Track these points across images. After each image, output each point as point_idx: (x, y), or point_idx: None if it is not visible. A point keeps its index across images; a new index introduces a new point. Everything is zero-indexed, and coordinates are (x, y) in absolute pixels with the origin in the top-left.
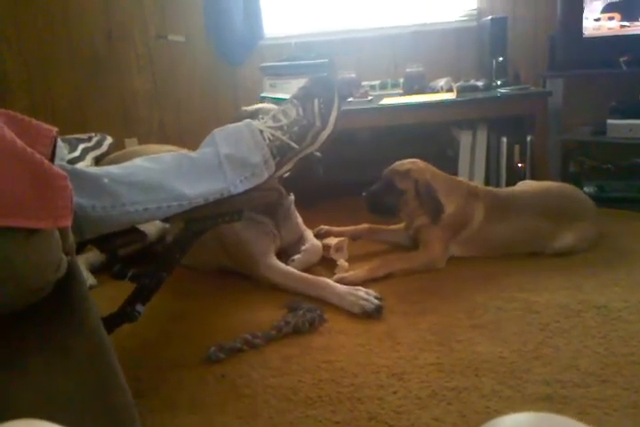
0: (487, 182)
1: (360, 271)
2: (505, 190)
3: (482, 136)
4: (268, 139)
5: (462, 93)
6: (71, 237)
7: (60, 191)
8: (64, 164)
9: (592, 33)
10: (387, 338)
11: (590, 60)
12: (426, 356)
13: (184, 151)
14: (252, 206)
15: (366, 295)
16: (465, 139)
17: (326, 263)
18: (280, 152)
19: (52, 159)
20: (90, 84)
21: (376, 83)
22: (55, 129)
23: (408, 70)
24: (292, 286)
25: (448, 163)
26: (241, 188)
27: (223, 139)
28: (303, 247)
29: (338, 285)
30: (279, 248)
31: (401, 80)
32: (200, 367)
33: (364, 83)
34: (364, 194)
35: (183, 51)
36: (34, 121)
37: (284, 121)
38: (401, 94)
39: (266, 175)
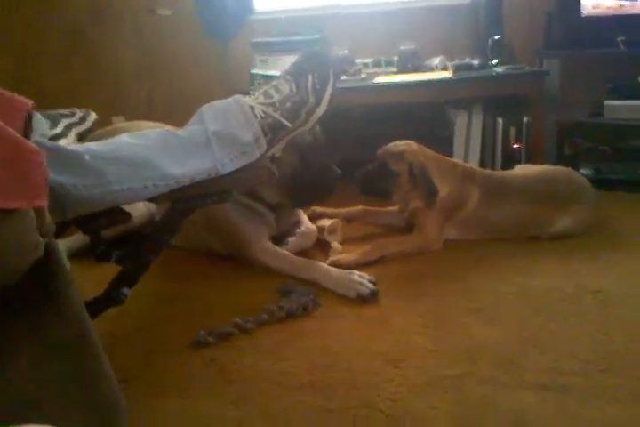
0: (482, 164)
1: (354, 254)
2: (501, 173)
3: (477, 117)
4: (260, 116)
5: (458, 72)
6: (48, 218)
7: (35, 168)
8: (43, 140)
9: (590, 11)
10: (382, 322)
11: (588, 39)
12: (421, 341)
13: (172, 128)
14: (243, 186)
15: (361, 279)
16: (460, 119)
17: (321, 247)
18: (272, 130)
19: (26, 134)
20: (75, 59)
21: (369, 60)
22: (30, 102)
23: (402, 48)
24: (286, 269)
25: (443, 144)
26: (230, 167)
27: (211, 115)
28: (298, 230)
29: (332, 268)
30: (276, 232)
31: (395, 58)
32: (188, 352)
33: (357, 60)
34: (356, 175)
35: (172, 25)
36: (7, 93)
37: (276, 97)
38: (395, 72)
39: (257, 154)
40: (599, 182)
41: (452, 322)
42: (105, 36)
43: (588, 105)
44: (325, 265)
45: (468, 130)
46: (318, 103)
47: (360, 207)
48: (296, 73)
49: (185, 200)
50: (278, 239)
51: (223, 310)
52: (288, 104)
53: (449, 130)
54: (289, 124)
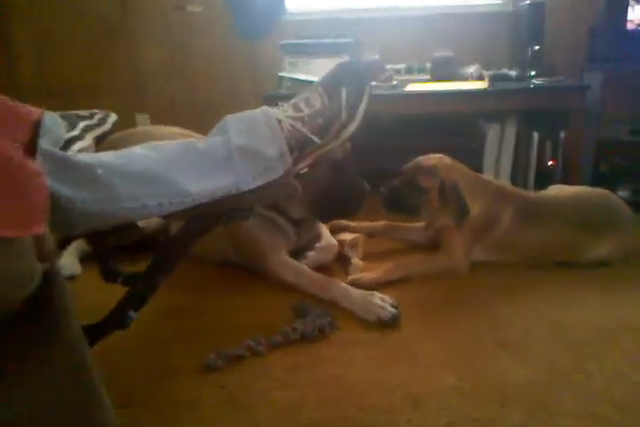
0: (513, 181)
1: (375, 272)
2: (536, 194)
3: (510, 130)
4: (287, 130)
5: (494, 83)
6: (49, 241)
7: (36, 192)
8: (54, 150)
9: (636, 25)
10: (402, 352)
11: (633, 53)
12: (446, 376)
13: (191, 139)
14: (264, 203)
15: (382, 302)
16: (492, 132)
17: (341, 262)
18: (299, 146)
19: (32, 146)
20: (101, 54)
21: (401, 66)
22: (38, 111)
23: (436, 55)
24: (303, 285)
25: (472, 157)
26: (252, 183)
27: (236, 127)
28: (318, 244)
29: (351, 288)
30: (295, 246)
31: (428, 65)
32: (197, 376)
33: (388, 66)
34: (382, 190)
35: (201, 23)
36: (11, 103)
37: (307, 111)
38: (428, 80)
39: (281, 170)
40: (637, 205)
41: (478, 356)
42: (133, 33)
43: (628, 122)
44: (344, 284)
45: (500, 143)
46: (351, 119)
47: (383, 222)
48: (329, 86)
49: (201, 218)
50: (297, 253)
51: (235, 328)
52: (319, 120)
53: (480, 142)
54: (317, 141)
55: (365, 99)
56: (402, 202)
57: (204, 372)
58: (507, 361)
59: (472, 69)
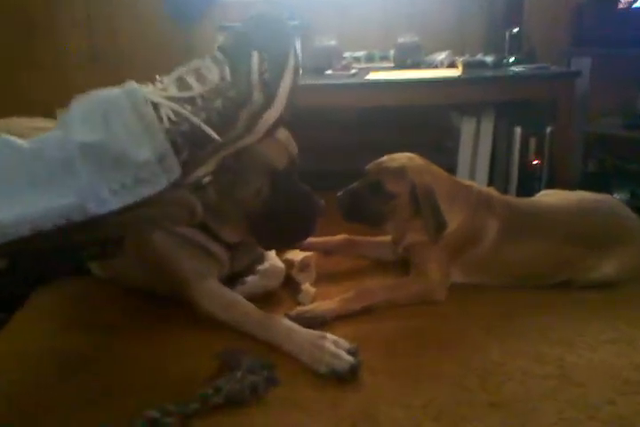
0: (492, 183)
1: (331, 302)
2: (527, 201)
3: (488, 124)
4: (168, 119)
5: (467, 70)
6: None
7: None
8: None
9: (629, 4)
10: (362, 422)
11: (625, 36)
12: None
13: (14, 137)
14: (136, 232)
15: (335, 348)
16: (467, 127)
17: (289, 288)
18: (190, 143)
19: None
20: (23, 47)
21: (361, 54)
22: None
23: (400, 40)
24: (235, 322)
25: (444, 156)
26: (114, 203)
27: (82, 116)
28: (260, 267)
29: (297, 328)
30: (231, 270)
31: (391, 52)
32: None
33: (346, 53)
34: (339, 195)
35: (129, 7)
36: None
37: (198, 89)
38: (391, 68)
39: (164, 182)
40: (636, 211)
41: (469, 424)
42: (57, 23)
43: (620, 115)
44: (287, 322)
45: (475, 140)
46: (269, 103)
47: (342, 236)
48: (233, 50)
49: (29, 259)
50: (234, 278)
51: (135, 389)
52: (218, 102)
53: (453, 139)
54: (216, 137)
55: (290, 69)
56: (364, 210)
57: None
58: None
59: (442, 56)
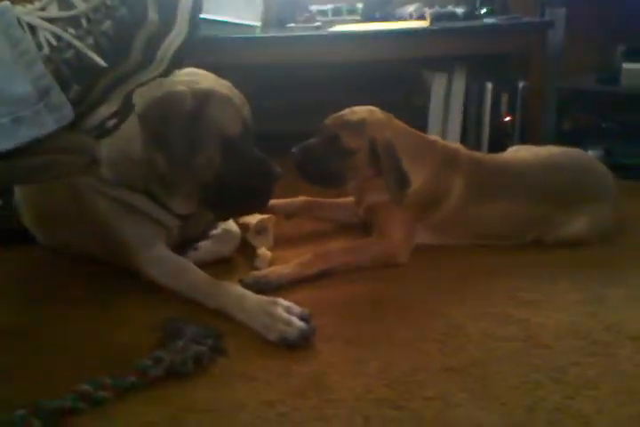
0: (464, 142)
1: (287, 267)
2: (494, 157)
3: (459, 80)
4: (49, 45)
5: (437, 23)
6: None
7: None
8: None
9: None
10: (313, 391)
11: None
12: None
13: None
14: (25, 182)
15: (287, 314)
16: (438, 83)
17: (245, 253)
18: (78, 75)
19: None
20: None
21: (328, 7)
22: None
23: None
24: (183, 290)
25: (415, 115)
26: None
27: None
28: (213, 232)
29: (247, 295)
30: (182, 238)
31: (359, 5)
32: None
33: (311, 6)
34: (294, 151)
35: None
36: None
37: (82, 6)
38: (358, 22)
39: (51, 124)
40: (612, 168)
41: (422, 392)
42: None
43: (594, 69)
44: (237, 288)
45: (447, 97)
46: (168, 24)
47: (303, 198)
48: None
49: None
50: (187, 245)
51: (69, 361)
52: (107, 24)
53: (423, 97)
54: (103, 63)
55: None
56: (321, 168)
57: None
58: (461, 399)
59: (412, 8)
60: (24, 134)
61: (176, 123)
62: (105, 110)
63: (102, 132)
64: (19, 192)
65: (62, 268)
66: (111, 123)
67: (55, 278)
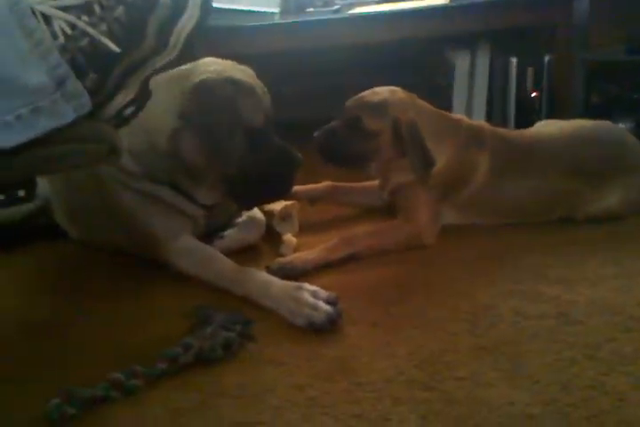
0: (490, 120)
1: (312, 252)
2: (521, 133)
3: (483, 58)
4: (63, 34)
5: None
6: None
7: None
8: None
9: None
10: (341, 374)
11: None
12: (403, 413)
13: None
14: (50, 172)
15: (313, 299)
16: (461, 62)
17: (270, 240)
18: (94, 63)
19: None
20: None
21: None
22: None
23: None
24: (210, 279)
25: (439, 95)
26: (8, 139)
27: None
28: (239, 220)
29: (273, 281)
30: (208, 228)
31: None
32: None
33: None
34: (315, 134)
35: None
36: None
37: None
38: (378, 3)
39: (70, 113)
40: None
41: (453, 372)
42: None
43: (622, 40)
44: (263, 275)
45: (471, 75)
46: (180, 7)
47: (327, 183)
48: None
49: None
50: (213, 234)
51: (101, 351)
52: (119, 10)
53: (447, 77)
54: (116, 49)
55: None
56: (344, 150)
57: None
58: (492, 378)
59: None
60: (44, 124)
61: (223, 110)
62: (122, 98)
63: (121, 120)
64: (49, 189)
65: (91, 261)
66: (129, 111)
67: (84, 271)
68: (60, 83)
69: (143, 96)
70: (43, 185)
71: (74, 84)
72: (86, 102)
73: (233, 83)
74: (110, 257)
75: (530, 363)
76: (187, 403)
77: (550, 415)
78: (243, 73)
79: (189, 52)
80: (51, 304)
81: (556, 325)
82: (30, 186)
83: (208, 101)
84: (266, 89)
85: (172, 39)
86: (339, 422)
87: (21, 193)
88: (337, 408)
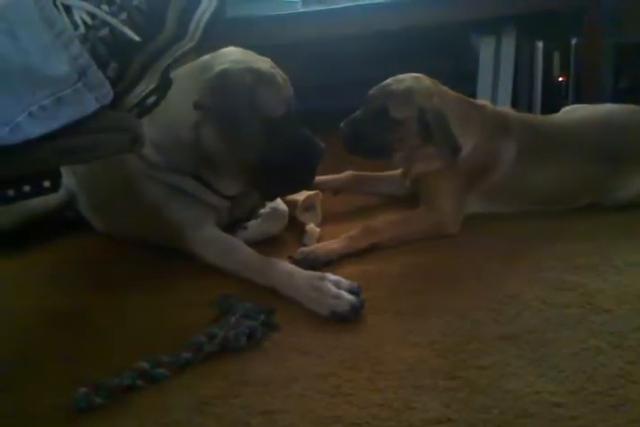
0: (515, 106)
1: (335, 242)
2: (547, 119)
3: (508, 42)
4: (84, 24)
5: None
6: None
7: None
8: None
9: None
10: (365, 363)
11: None
12: (427, 401)
13: None
14: (77, 162)
15: (336, 289)
16: (486, 47)
17: (295, 230)
18: (115, 52)
19: None
20: None
21: None
22: None
23: None
24: (234, 269)
25: (464, 81)
26: (33, 129)
27: None
28: (262, 210)
29: (296, 271)
30: (231, 218)
31: None
32: (62, 423)
33: None
34: (342, 125)
35: None
36: None
37: None
38: None
39: (92, 103)
40: None
41: (477, 361)
42: None
43: None
44: (286, 265)
45: (496, 60)
46: None
47: (349, 173)
48: None
49: None
50: (236, 225)
51: (127, 341)
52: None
53: (472, 64)
54: (136, 37)
55: None
56: (369, 140)
57: (72, 416)
58: (517, 368)
59: None
60: (67, 114)
61: (242, 99)
62: (143, 88)
63: (143, 109)
64: (75, 182)
65: (115, 252)
66: (151, 100)
67: (109, 263)
68: (82, 73)
69: (164, 85)
70: (68, 177)
71: (95, 74)
72: (108, 92)
73: (252, 72)
74: (134, 249)
75: (555, 352)
76: (212, 391)
77: (576, 404)
78: (264, 63)
79: (209, 41)
80: (76, 295)
81: (581, 313)
82: (55, 176)
83: (225, 91)
84: (286, 78)
85: (192, 27)
86: (362, 411)
87: (47, 184)
88: (360, 397)
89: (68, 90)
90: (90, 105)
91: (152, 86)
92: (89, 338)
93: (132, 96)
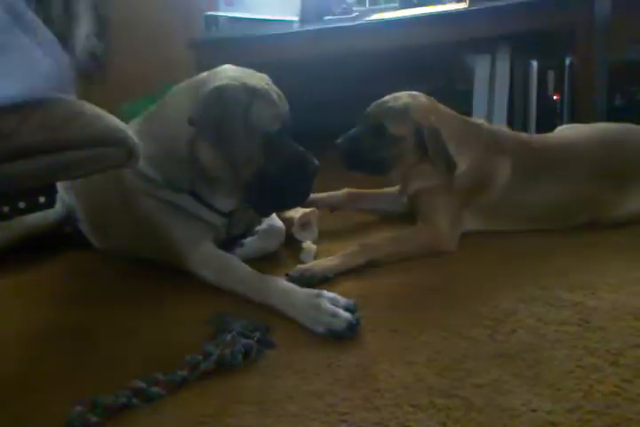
0: (511, 124)
1: (331, 259)
2: (542, 138)
3: (503, 61)
4: None
5: (476, 2)
6: None
7: None
8: None
9: None
10: (361, 381)
11: None
12: (423, 420)
13: None
14: (66, 178)
15: (332, 307)
16: (481, 66)
17: (290, 247)
18: None
19: None
20: None
21: None
22: None
23: None
24: (230, 286)
25: (459, 99)
26: None
27: None
28: (259, 228)
29: (292, 289)
30: (228, 235)
31: None
32: None
33: None
34: (338, 141)
35: None
36: None
37: None
38: (396, 9)
39: (34, 47)
40: None
41: (473, 379)
42: None
43: None
44: (282, 283)
45: (491, 79)
46: None
47: (346, 190)
48: None
49: None
50: (233, 242)
51: (121, 358)
52: None
53: (467, 82)
54: None
55: None
56: (366, 157)
57: None
58: (513, 386)
59: None
60: (8, 60)
61: (234, 115)
62: (84, 28)
63: (93, 56)
64: (73, 198)
65: (113, 269)
66: (100, 46)
67: (106, 280)
68: (18, 18)
69: (103, 27)
70: (67, 193)
71: (30, 16)
72: (47, 35)
73: (247, 88)
74: (131, 265)
75: (551, 370)
76: (207, 410)
77: (573, 423)
78: (259, 79)
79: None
80: (73, 312)
81: (577, 331)
82: (51, 192)
83: (219, 107)
84: (283, 96)
85: None
86: None
87: (42, 199)
88: (356, 415)
89: (7, 35)
90: (32, 50)
91: (90, 28)
92: (85, 355)
93: (76, 40)
